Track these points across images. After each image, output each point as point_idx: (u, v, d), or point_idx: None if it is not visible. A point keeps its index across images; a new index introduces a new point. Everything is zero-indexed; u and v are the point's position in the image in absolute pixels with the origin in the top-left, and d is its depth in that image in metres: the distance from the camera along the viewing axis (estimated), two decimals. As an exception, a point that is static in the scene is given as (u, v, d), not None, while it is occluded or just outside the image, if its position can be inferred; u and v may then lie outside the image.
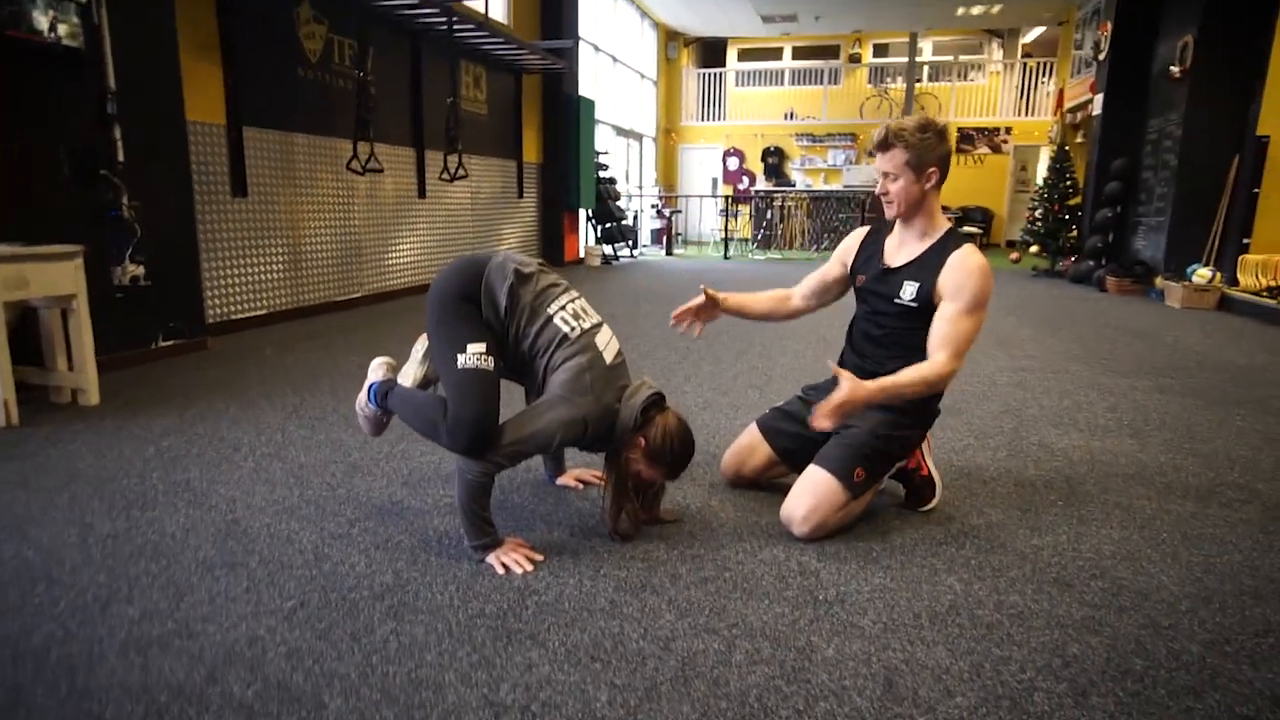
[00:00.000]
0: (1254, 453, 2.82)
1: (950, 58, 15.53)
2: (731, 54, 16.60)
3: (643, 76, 13.98)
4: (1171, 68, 7.28)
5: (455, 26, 6.35)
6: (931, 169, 2.07)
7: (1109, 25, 8.27)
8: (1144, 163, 8.03)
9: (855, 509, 2.10)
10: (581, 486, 2.41)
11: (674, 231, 13.02)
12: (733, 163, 15.94)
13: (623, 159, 13.03)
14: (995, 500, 2.35)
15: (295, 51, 5.31)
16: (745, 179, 15.69)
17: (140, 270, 3.86)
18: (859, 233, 2.40)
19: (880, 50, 16.11)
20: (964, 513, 2.25)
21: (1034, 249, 9.35)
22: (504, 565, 1.87)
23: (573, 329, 1.96)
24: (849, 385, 1.92)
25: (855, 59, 15.89)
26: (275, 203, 5.25)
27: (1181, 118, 7.12)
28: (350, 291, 6.09)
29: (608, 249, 10.69)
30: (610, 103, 11.94)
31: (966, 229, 13.67)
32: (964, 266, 2.06)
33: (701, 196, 14.37)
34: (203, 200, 4.64)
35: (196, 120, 4.51)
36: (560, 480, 2.43)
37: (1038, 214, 9.17)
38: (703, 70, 16.21)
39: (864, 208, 11.56)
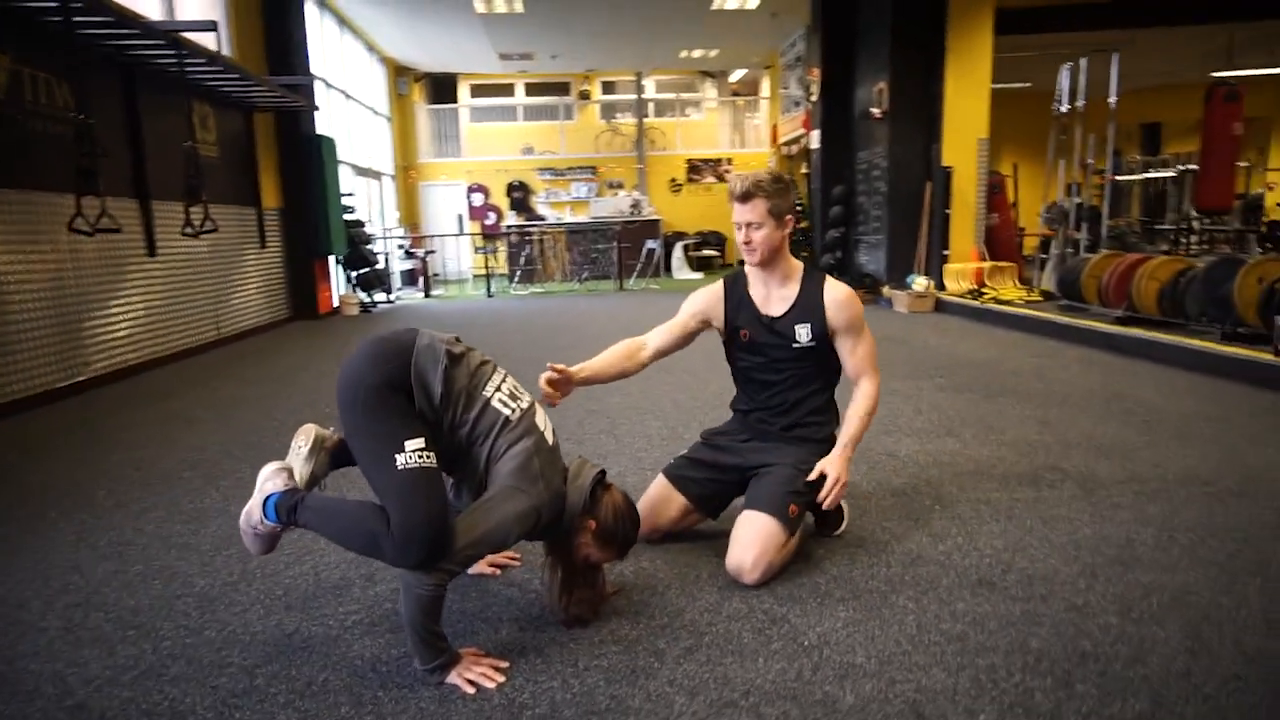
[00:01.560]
0: (1041, 435, 3.36)
1: (672, 95, 16.79)
2: (463, 90, 16.44)
3: (375, 113, 13.34)
4: (872, 109, 8.53)
5: (185, 61, 5.57)
6: (789, 216, 2.22)
7: (817, 71, 9.48)
8: (858, 189, 9.30)
9: (792, 545, 2.15)
10: (499, 572, 2.20)
11: (430, 272, 12.54)
12: (477, 198, 15.76)
13: (364, 199, 12.28)
14: (885, 514, 2.55)
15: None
16: (491, 214, 15.58)
17: None
18: (714, 289, 2.38)
19: (608, 88, 16.95)
20: (869, 531, 2.41)
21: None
22: (470, 683, 1.64)
23: (512, 411, 1.79)
24: (834, 467, 2.16)
25: (585, 95, 16.56)
26: (-34, 274, 4.19)
27: (886, 151, 8.36)
28: (74, 375, 5.02)
29: (364, 296, 9.99)
30: (347, 141, 11.21)
31: (706, 252, 14.85)
32: (842, 301, 2.24)
33: (452, 235, 14.00)
34: None
35: None
36: (474, 569, 2.20)
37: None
38: (435, 106, 15.88)
39: (619, 238, 12.02)
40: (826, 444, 2.28)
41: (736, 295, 2.34)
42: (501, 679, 1.66)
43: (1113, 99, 6.96)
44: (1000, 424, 3.56)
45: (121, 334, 5.56)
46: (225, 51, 7.35)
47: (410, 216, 15.14)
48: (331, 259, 9.54)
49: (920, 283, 7.78)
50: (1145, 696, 1.54)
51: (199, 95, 6.68)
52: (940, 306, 7.66)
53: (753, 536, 2.05)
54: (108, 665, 1.77)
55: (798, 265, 2.29)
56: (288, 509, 1.73)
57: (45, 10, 4.46)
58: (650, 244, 12.52)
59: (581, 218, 14.30)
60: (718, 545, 2.31)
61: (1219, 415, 3.62)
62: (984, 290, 7.40)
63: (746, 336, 2.31)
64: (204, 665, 1.76)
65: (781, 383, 2.28)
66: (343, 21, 11.24)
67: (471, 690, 1.62)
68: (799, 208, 2.04)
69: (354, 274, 10.01)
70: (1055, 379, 4.49)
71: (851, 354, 2.25)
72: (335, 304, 9.64)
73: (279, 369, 5.69)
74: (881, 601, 1.96)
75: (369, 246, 10.45)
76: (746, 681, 1.63)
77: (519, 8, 10.02)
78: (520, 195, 15.74)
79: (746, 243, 2.20)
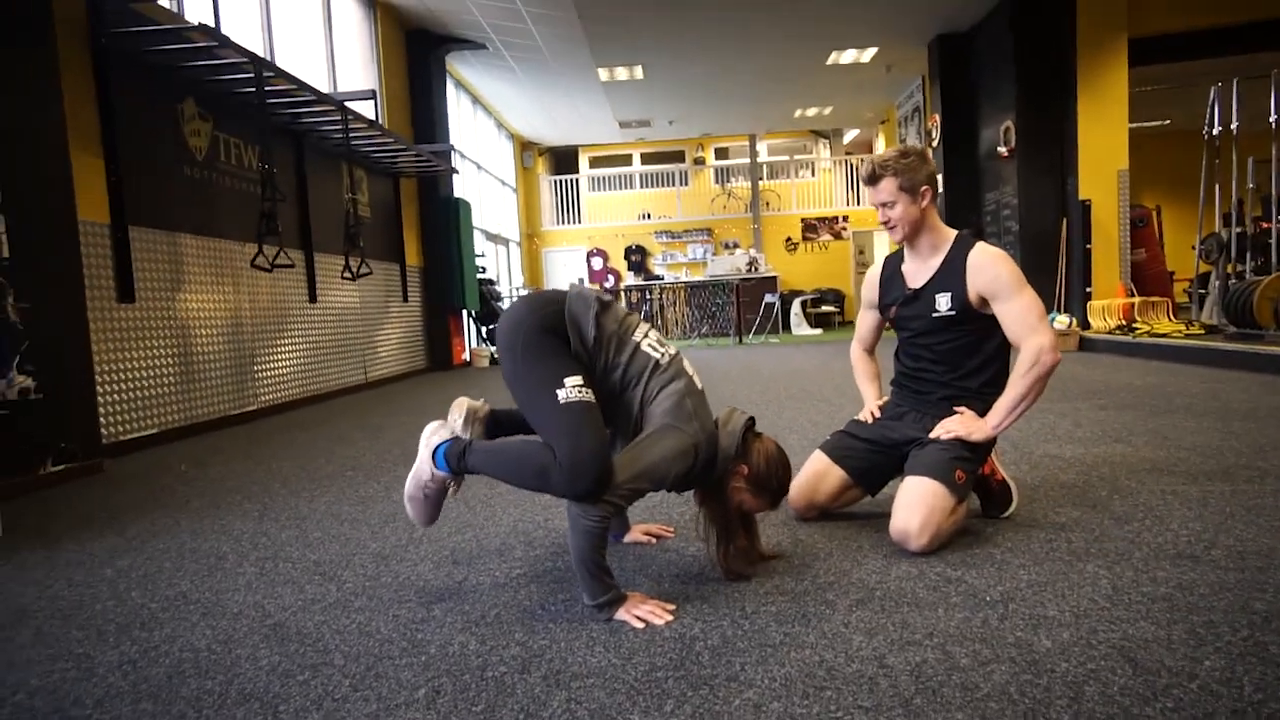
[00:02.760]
0: (1226, 441, 3.08)
1: (786, 157, 17.02)
2: (583, 161, 17.28)
3: (503, 183, 14.20)
4: (999, 148, 8.34)
5: (350, 127, 6.17)
6: (924, 187, 2.16)
7: (937, 117, 9.41)
8: (987, 229, 9.02)
9: (960, 514, 2.05)
10: (655, 541, 2.20)
11: (553, 330, 12.98)
12: (597, 262, 16.32)
13: (493, 262, 12.99)
14: (1056, 501, 2.38)
15: (180, 149, 4.92)
16: (611, 277, 16.07)
17: (30, 382, 3.27)
18: (874, 270, 2.44)
19: (721, 153, 17.38)
20: (1041, 513, 2.26)
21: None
22: (639, 619, 1.64)
23: (661, 355, 1.83)
24: (962, 422, 2.06)
25: (700, 161, 17.03)
26: (164, 309, 4.70)
27: (1015, 189, 8.12)
28: (245, 405, 5.49)
29: (494, 349, 10.45)
30: (479, 208, 11.96)
31: (825, 308, 14.69)
32: (986, 262, 2.12)
33: (573, 296, 14.49)
34: (89, 306, 4.07)
35: (83, 219, 4.01)
36: (629, 538, 2.21)
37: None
38: (557, 176, 16.73)
39: (738, 292, 12.10)
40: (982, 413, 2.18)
41: (890, 272, 2.33)
42: (670, 617, 1.65)
43: (1274, 118, 6.51)
44: (1175, 434, 3.28)
45: (285, 372, 6.05)
46: (378, 121, 8.11)
47: (534, 280, 15.84)
48: (465, 314, 10.09)
49: (1062, 320, 7.38)
50: (1406, 649, 1.35)
51: (355, 160, 7.36)
52: (1085, 345, 7.22)
53: (918, 500, 1.97)
54: (299, 598, 1.89)
55: (949, 234, 2.24)
56: (457, 455, 1.80)
57: (241, 81, 5.08)
58: (769, 298, 12.51)
59: (698, 277, 14.52)
60: (877, 522, 2.24)
61: None
62: (1135, 326, 6.93)
63: (894, 312, 2.28)
64: (384, 600, 1.85)
65: (935, 354, 2.21)
66: (476, 100, 12.15)
67: (640, 625, 1.62)
68: (930, 184, 2.03)
69: (485, 328, 10.51)
70: (1233, 399, 4.11)
71: (1006, 315, 2.09)
72: (467, 357, 10.13)
73: (420, 405, 6.00)
74: (1067, 568, 1.82)
75: (499, 303, 10.98)
76: (928, 626, 1.55)
77: (639, 75, 10.54)
78: (638, 258, 16.19)
79: (885, 222, 2.19)
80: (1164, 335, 6.47)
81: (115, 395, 4.26)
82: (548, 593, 1.84)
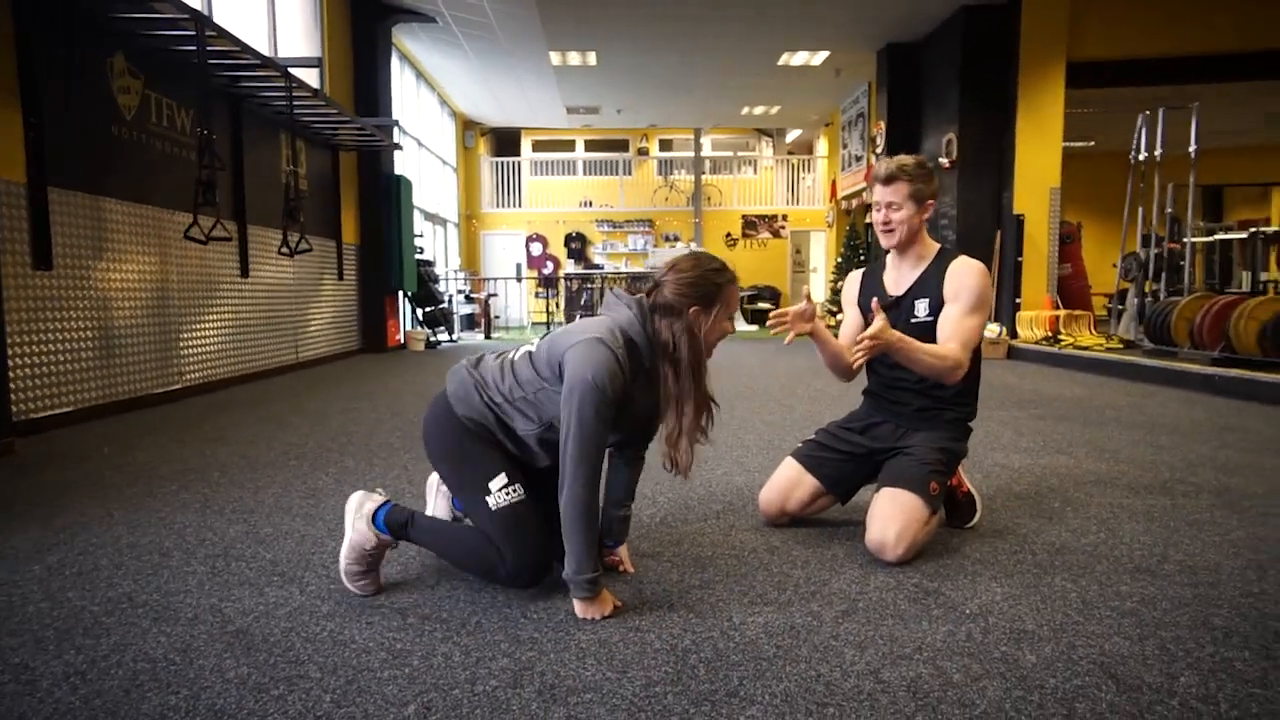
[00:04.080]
0: (1159, 455, 3.24)
1: (729, 153, 17.14)
2: (525, 144, 17.00)
3: (444, 162, 13.84)
4: (940, 159, 8.58)
5: (294, 95, 5.88)
6: (929, 200, 2.22)
7: (883, 124, 9.62)
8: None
9: (934, 525, 2.09)
10: (620, 568, 2.03)
11: (493, 314, 12.77)
12: (536, 248, 16.11)
13: (430, 243, 12.65)
14: (1015, 512, 2.46)
15: (108, 106, 4.58)
16: (549, 263, 15.89)
17: (-63, 353, 3.00)
18: (853, 277, 2.47)
19: (665, 145, 17.38)
20: (1003, 525, 2.33)
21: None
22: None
23: (532, 345, 1.86)
24: (882, 322, 2.00)
25: (644, 152, 16.99)
26: (84, 278, 4.39)
27: (955, 200, 8.38)
28: (170, 383, 5.19)
29: (429, 333, 10.19)
30: (418, 187, 11.62)
31: (761, 305, 14.88)
32: (963, 271, 2.18)
33: (513, 279, 14.28)
34: (1, 272, 3.76)
35: (-4, 175, 3.70)
36: (609, 559, 2.12)
37: (838, 284, 10.18)
38: (499, 159, 16.42)
39: (678, 286, 12.11)
40: (962, 427, 2.23)
41: (871, 280, 2.35)
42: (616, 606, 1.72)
43: (1193, 148, 6.90)
44: (1111, 446, 3.44)
45: (214, 349, 5.74)
46: (322, 91, 7.77)
47: (471, 263, 15.53)
48: (401, 295, 9.80)
49: (992, 329, 7.67)
50: (1358, 668, 1.44)
51: (294, 130, 7.03)
52: (1014, 353, 7.52)
53: (895, 511, 2.00)
54: (260, 602, 1.78)
55: (935, 247, 2.28)
56: (399, 525, 1.81)
57: (179, 39, 4.77)
58: (708, 293, 12.59)
59: (638, 268, 14.50)
60: (849, 530, 2.27)
61: (1344, 446, 3.46)
62: (1061, 337, 7.26)
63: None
64: (354, 606, 1.76)
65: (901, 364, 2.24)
66: (420, 75, 11.78)
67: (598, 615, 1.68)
68: (934, 200, 2.05)
69: (422, 311, 10.24)
70: (1156, 413, 4.35)
71: (948, 319, 2.13)
72: (401, 339, 9.85)
73: (359, 390, 5.80)
74: (1036, 581, 1.88)
75: (436, 285, 10.71)
76: (916, 639, 1.57)
77: (592, 60, 10.41)
78: (578, 246, 16.05)
79: (885, 223, 2.21)
80: (1087, 348, 6.80)
81: (27, 369, 3.96)
82: (526, 599, 1.79)
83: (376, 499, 1.86)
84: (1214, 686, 1.38)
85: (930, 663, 1.47)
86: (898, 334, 2.04)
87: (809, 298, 2.17)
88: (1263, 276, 8.94)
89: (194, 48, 4.64)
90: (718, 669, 1.46)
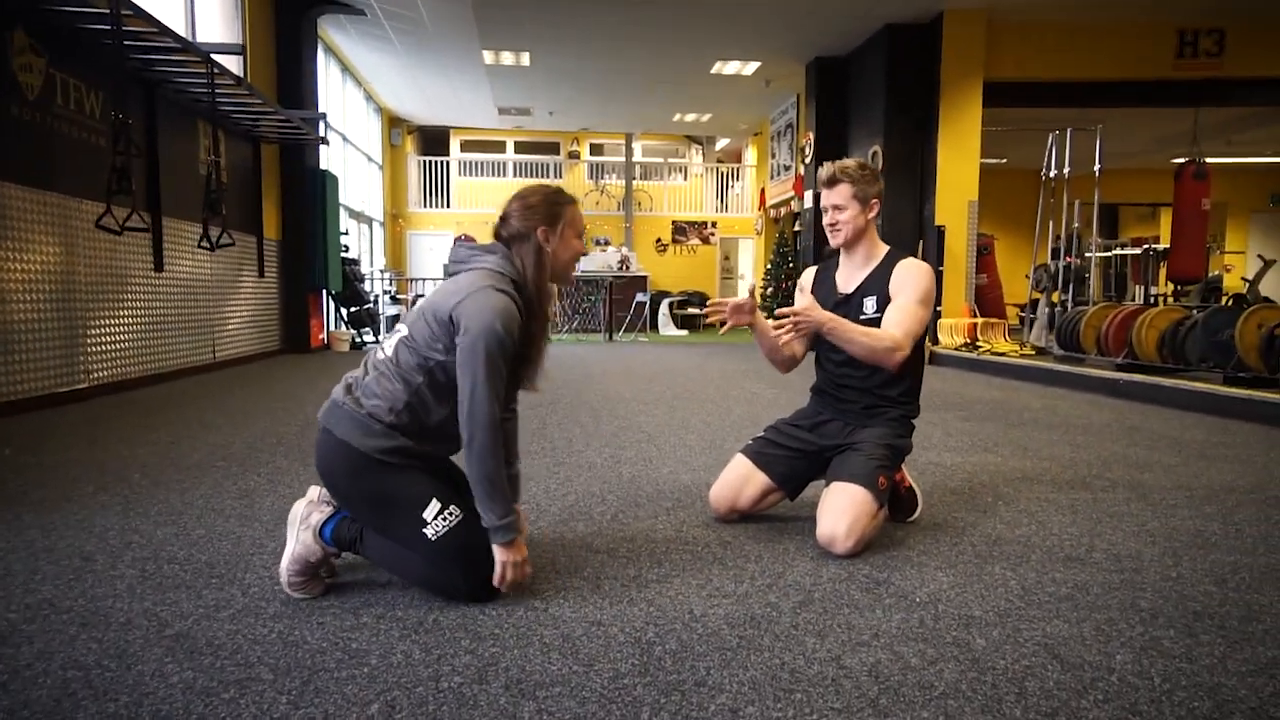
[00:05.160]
0: (1076, 453, 3.43)
1: (660, 159, 17.28)
2: (454, 144, 16.73)
3: (370, 159, 13.49)
4: (866, 170, 8.86)
5: (215, 83, 5.62)
6: (874, 200, 2.30)
7: (811, 135, 9.88)
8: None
9: (881, 518, 2.15)
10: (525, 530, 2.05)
11: (417, 316, 12.48)
12: (464, 250, 15.84)
13: (355, 241, 12.30)
14: (951, 507, 2.56)
15: (7, 83, 4.28)
16: (478, 266, 15.65)
17: None
18: (808, 274, 2.53)
19: (596, 149, 17.39)
20: (941, 518, 2.42)
21: (773, 323, 10.58)
22: (509, 574, 1.71)
23: (390, 341, 1.81)
24: (809, 301, 2.08)
25: (575, 155, 16.95)
26: (-17, 267, 4.09)
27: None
28: (75, 382, 4.87)
29: (354, 333, 9.90)
30: (343, 184, 11.29)
31: (690, 310, 15.03)
32: (909, 268, 2.27)
33: (441, 279, 14.00)
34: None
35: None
36: None
37: (768, 291, 10.39)
38: (426, 157, 16.10)
39: (610, 289, 12.15)
40: (907, 424, 2.31)
41: (824, 276, 2.41)
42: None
43: (1097, 168, 7.35)
44: (1032, 445, 3.62)
45: (124, 346, 5.43)
46: (245, 79, 7.46)
47: (397, 262, 15.16)
48: (325, 294, 9.49)
49: (914, 335, 7.96)
50: (1271, 645, 1.55)
51: (214, 119, 6.73)
52: (935, 359, 7.83)
53: (845, 505, 2.05)
54: (199, 605, 1.69)
55: (884, 248, 2.35)
56: (349, 540, 1.75)
57: (90, 17, 4.50)
58: (640, 297, 12.66)
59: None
60: (798, 525, 2.31)
61: (1237, 444, 3.73)
62: (978, 344, 7.60)
63: None
64: (302, 607, 1.69)
65: (857, 362, 2.29)
66: (345, 69, 11.45)
67: (507, 579, 1.70)
68: (879, 200, 2.13)
69: (347, 310, 9.93)
70: (1069, 414, 4.60)
71: (893, 310, 2.19)
72: (325, 340, 9.52)
73: (285, 390, 5.58)
74: (978, 570, 1.96)
75: (362, 285, 10.41)
76: (871, 627, 1.62)
77: (525, 61, 10.32)
78: (507, 248, 15.86)
79: (831, 224, 2.27)
80: (1003, 354, 7.14)
81: (-82, 365, 3.65)
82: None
83: (325, 510, 1.79)
84: (1146, 663, 1.47)
85: (888, 648, 1.52)
86: (829, 314, 2.12)
87: (752, 292, 2.22)
88: (1153, 290, 9.61)
89: (107, 26, 4.40)
90: (683, 660, 1.46)
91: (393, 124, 14.89)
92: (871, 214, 2.29)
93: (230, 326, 7.26)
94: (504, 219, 1.81)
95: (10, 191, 4.28)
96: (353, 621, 1.61)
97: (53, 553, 2.03)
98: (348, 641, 1.52)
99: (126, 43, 4.71)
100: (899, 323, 2.18)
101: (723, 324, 2.18)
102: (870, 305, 2.27)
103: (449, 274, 1.82)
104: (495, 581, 1.69)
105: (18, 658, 1.45)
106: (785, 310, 2.08)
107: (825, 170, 2.27)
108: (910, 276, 2.24)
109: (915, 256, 2.37)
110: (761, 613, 1.68)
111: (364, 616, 1.64)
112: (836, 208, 2.25)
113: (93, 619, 1.62)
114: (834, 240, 2.31)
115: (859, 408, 2.30)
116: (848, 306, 2.30)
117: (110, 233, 4.49)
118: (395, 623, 1.61)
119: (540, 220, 1.78)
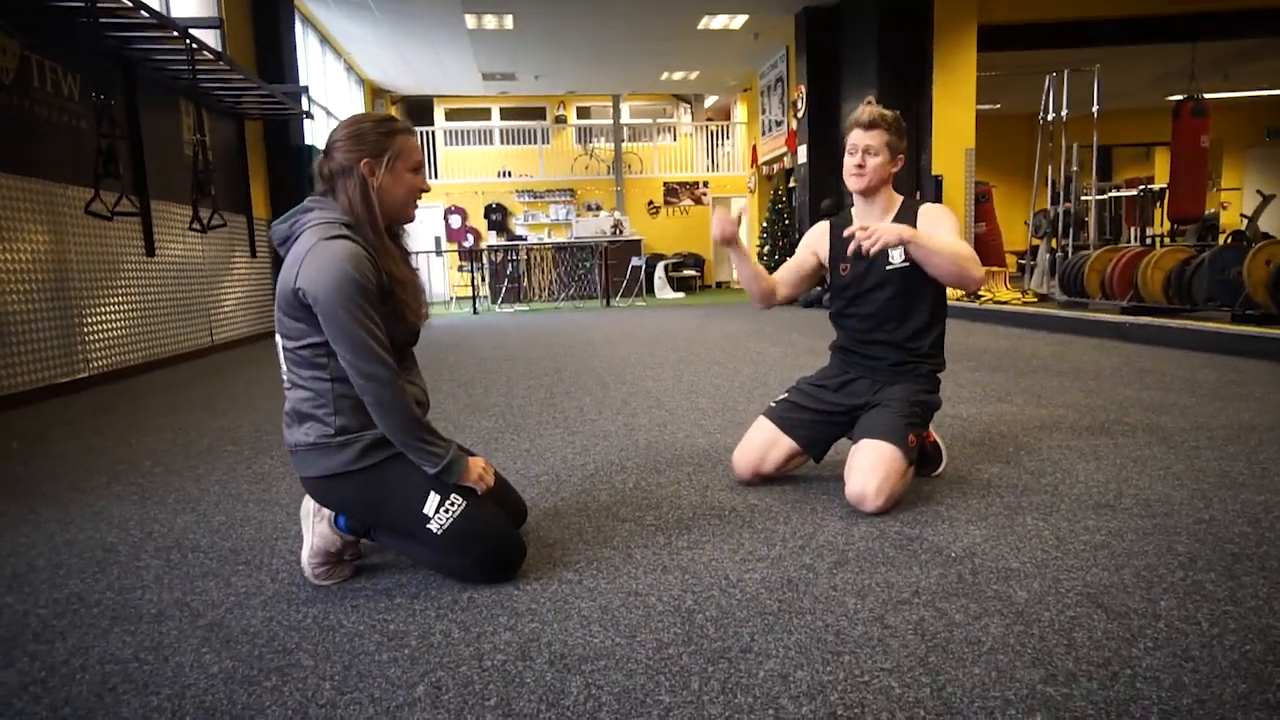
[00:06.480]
0: (1091, 399, 3.42)
1: (648, 120, 17.02)
2: (439, 113, 16.46)
3: (355, 133, 13.24)
4: (861, 121, 8.73)
5: (195, 60, 5.47)
6: (901, 154, 2.25)
7: (803, 88, 9.71)
8: (846, 201, 9.47)
9: (909, 475, 2.13)
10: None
11: (413, 290, 12.38)
12: (455, 220, 15.69)
13: (346, 217, 12.15)
14: (974, 459, 2.54)
15: (-16, 69, 4.16)
16: (470, 236, 15.51)
17: None
18: (820, 227, 2.48)
19: (583, 113, 17.11)
20: (966, 471, 2.40)
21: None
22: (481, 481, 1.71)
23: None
24: (884, 228, 2.01)
25: (561, 120, 16.69)
26: (-27, 259, 4.01)
27: (875, 162, 8.55)
28: (75, 372, 4.82)
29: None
30: (330, 157, 11.10)
31: (686, 272, 14.94)
32: (934, 210, 2.26)
33: (433, 253, 13.87)
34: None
35: None
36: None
37: (765, 249, 10.31)
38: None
39: (605, 255, 12.05)
40: (935, 380, 2.28)
41: (840, 229, 2.35)
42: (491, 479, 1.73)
43: (1095, 109, 7.24)
44: (1045, 393, 3.61)
45: (122, 334, 5.36)
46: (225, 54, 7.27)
47: (388, 238, 14.99)
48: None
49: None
50: (1313, 582, 1.54)
51: (196, 98, 6.57)
52: (936, 310, 7.80)
53: (874, 463, 2.03)
54: (229, 593, 1.67)
55: (899, 198, 2.31)
56: (365, 527, 1.73)
57: (62, -7, 4.36)
58: (636, 261, 12.57)
59: (561, 239, 14.32)
60: (823, 485, 2.30)
61: (1250, 382, 3.72)
62: (980, 293, 7.56)
63: (846, 270, 2.31)
64: (334, 591, 1.67)
65: (885, 312, 2.25)
66: (325, 40, 11.19)
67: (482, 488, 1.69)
68: (904, 156, 2.16)
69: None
70: (1078, 360, 4.59)
71: (948, 235, 2.16)
72: (322, 318, 9.44)
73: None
74: (1010, 522, 1.95)
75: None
76: (910, 584, 1.60)
77: (509, 24, 10.10)
78: (499, 217, 15.72)
79: (859, 167, 2.21)
80: (1005, 302, 7.11)
81: (-85, 362, 3.60)
82: (526, 567, 1.74)
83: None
84: (1191, 608, 1.46)
85: (930, 605, 1.51)
86: (903, 226, 2.06)
87: (739, 218, 2.24)
88: (1149, 231, 9.54)
89: (81, 3, 4.26)
90: (726, 626, 1.45)
91: (376, 95, 14.61)
92: (895, 168, 2.25)
93: (226, 308, 7.19)
94: (327, 151, 1.64)
95: (-6, 180, 4.18)
96: (387, 603, 1.60)
97: (74, 545, 2.00)
98: (385, 623, 1.50)
99: (102, 20, 4.58)
100: (960, 243, 2.15)
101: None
102: (897, 254, 2.22)
103: (281, 254, 1.64)
104: (480, 491, 1.68)
105: (53, 654, 1.43)
106: (859, 226, 2.05)
107: (867, 112, 2.20)
108: (940, 216, 2.23)
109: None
110: (798, 575, 1.67)
111: (398, 597, 1.62)
112: (869, 150, 2.19)
113: (124, 612, 1.60)
114: (854, 183, 2.25)
115: (887, 364, 2.26)
116: (872, 257, 2.25)
117: (100, 218, 4.39)
118: (430, 602, 1.59)
119: (366, 152, 1.61)
